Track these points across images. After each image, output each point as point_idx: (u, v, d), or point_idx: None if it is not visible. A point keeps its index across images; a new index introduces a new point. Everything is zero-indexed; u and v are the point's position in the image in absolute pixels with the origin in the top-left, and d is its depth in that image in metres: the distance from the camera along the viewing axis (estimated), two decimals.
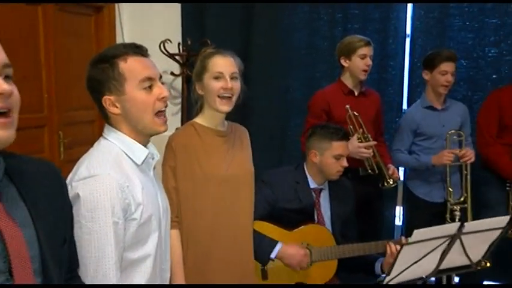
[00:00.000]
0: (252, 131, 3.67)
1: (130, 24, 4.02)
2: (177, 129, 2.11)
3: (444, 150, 2.99)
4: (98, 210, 1.38)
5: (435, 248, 1.89)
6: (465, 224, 1.86)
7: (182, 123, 3.93)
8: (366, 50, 2.95)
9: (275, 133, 3.81)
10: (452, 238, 1.87)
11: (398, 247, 2.26)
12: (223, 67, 1.97)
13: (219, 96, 1.97)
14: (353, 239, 2.60)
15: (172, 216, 1.94)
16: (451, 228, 1.87)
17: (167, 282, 1.70)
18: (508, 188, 3.13)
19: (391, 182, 2.93)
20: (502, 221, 1.89)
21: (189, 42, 3.76)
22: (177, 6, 3.91)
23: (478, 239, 1.92)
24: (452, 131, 3.04)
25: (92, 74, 1.51)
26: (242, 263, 2.10)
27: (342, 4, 3.61)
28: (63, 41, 3.43)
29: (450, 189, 3.03)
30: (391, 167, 3.03)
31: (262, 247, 2.25)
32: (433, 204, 3.12)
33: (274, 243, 2.36)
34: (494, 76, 3.37)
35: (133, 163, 1.52)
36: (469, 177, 3.01)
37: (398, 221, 3.69)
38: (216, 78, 1.96)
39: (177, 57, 3.84)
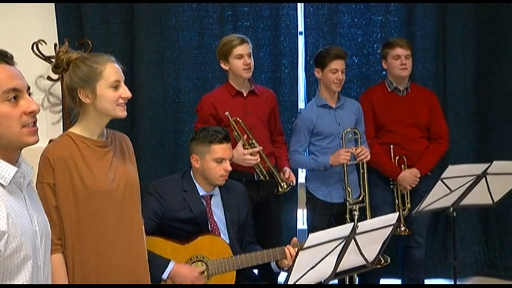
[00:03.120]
0: (142, 138, 3.66)
1: None
2: (51, 141, 1.99)
3: (341, 150, 3.11)
4: None
5: (331, 251, 1.95)
6: (358, 224, 1.94)
7: None
8: (241, 49, 2.97)
9: (167, 139, 3.74)
10: (347, 239, 1.95)
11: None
12: (118, 75, 1.96)
13: (117, 105, 1.95)
14: (252, 243, 2.63)
15: (54, 239, 1.86)
16: (345, 229, 1.95)
17: None
18: (392, 187, 3.34)
19: (285, 187, 2.99)
20: (392, 218, 2.01)
21: (67, 43, 3.58)
22: (51, 4, 3.71)
23: (371, 238, 2.01)
24: (348, 130, 3.17)
25: None
26: (136, 281, 2.04)
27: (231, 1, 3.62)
28: None
29: (349, 189, 3.16)
30: (287, 170, 3.09)
31: (153, 267, 2.20)
32: (333, 205, 3.23)
33: (166, 262, 2.34)
34: (383, 73, 3.57)
35: None
36: (366, 175, 3.17)
37: (301, 224, 3.77)
38: (114, 87, 1.93)
39: (54, 60, 3.63)
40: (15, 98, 1.41)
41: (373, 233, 2.02)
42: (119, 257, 1.98)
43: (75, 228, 1.91)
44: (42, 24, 3.70)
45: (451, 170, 2.63)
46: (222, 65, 3.04)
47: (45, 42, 3.58)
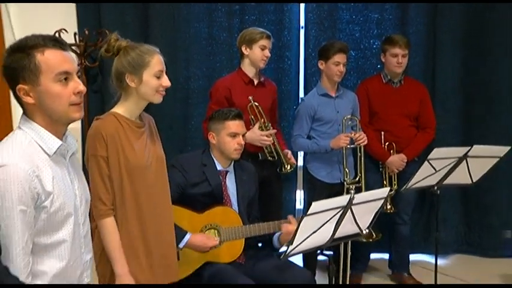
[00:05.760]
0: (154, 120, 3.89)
1: (19, 13, 3.97)
2: (96, 118, 2.26)
3: (341, 134, 3.41)
4: (5, 199, 1.54)
5: (330, 219, 2.23)
6: (355, 195, 2.22)
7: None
8: (266, 42, 3.30)
9: (176, 123, 4.02)
10: (344, 209, 2.23)
11: (294, 226, 2.64)
12: (162, 66, 2.23)
13: (157, 91, 2.23)
14: (257, 218, 2.94)
15: (109, 204, 2.18)
16: (343, 200, 2.22)
17: (88, 264, 1.87)
18: (380, 169, 3.67)
19: (288, 168, 3.33)
20: (384, 192, 2.31)
21: (86, 32, 3.85)
22: None
23: (365, 209, 2.30)
24: (348, 116, 3.48)
25: (8, 62, 1.61)
26: (166, 242, 2.34)
27: None
28: None
29: (347, 170, 3.47)
30: (288, 153, 3.42)
31: None
32: (332, 185, 3.53)
33: (183, 233, 2.62)
34: (379, 66, 3.89)
35: (45, 153, 1.65)
36: (363, 158, 3.46)
37: (299, 205, 4.09)
38: (157, 76, 2.22)
39: (73, 48, 3.90)
40: (65, 79, 1.64)
41: (367, 205, 2.28)
42: (154, 223, 2.27)
43: (121, 199, 2.20)
44: (64, 14, 3.94)
45: (437, 152, 2.91)
46: (243, 49, 3.32)
47: (66, 31, 3.83)
